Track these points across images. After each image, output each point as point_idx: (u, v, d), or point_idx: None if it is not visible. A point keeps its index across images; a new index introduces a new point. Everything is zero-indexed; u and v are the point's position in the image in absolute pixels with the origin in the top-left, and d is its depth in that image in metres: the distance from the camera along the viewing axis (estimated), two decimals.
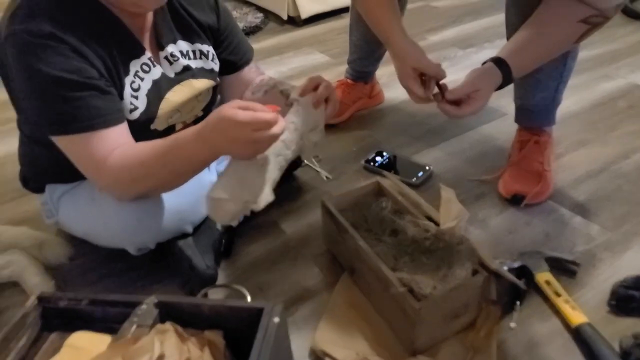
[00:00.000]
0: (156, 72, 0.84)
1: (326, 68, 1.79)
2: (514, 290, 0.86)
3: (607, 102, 1.46)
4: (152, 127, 0.85)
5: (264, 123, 0.65)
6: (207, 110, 0.97)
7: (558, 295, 0.86)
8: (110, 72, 0.76)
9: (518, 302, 0.85)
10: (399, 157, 1.26)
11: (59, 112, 0.72)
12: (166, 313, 0.65)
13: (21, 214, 1.11)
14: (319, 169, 1.24)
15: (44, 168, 0.89)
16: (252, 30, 2.13)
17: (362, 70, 1.41)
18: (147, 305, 0.67)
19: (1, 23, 0.72)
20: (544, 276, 0.89)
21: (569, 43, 0.92)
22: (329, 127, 1.39)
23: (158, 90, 0.84)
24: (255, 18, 2.22)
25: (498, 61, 0.91)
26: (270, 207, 1.08)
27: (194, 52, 0.90)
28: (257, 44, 2.04)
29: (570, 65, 1.05)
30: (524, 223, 1.04)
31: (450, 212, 0.82)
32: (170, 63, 0.87)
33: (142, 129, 0.82)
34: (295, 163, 1.19)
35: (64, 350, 0.64)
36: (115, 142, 0.76)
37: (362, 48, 1.36)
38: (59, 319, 0.69)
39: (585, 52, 1.73)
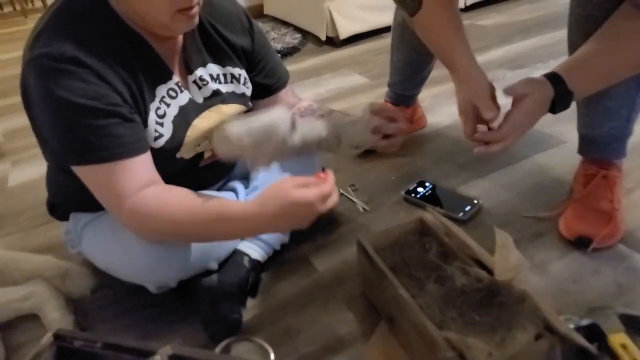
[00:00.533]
0: (183, 97, 0.79)
1: (364, 90, 1.71)
2: (583, 356, 0.73)
3: None
4: (178, 155, 0.79)
5: (328, 194, 0.69)
6: None
7: None
8: (134, 97, 0.72)
9: None
10: (443, 189, 1.15)
11: (79, 140, 0.67)
12: None
13: (49, 240, 1.09)
14: (355, 199, 1.15)
15: (69, 195, 0.85)
16: (289, 52, 2.09)
17: (403, 93, 1.32)
18: (161, 357, 0.62)
19: (26, 45, 0.69)
20: (618, 338, 0.76)
21: (637, 64, 0.80)
22: (367, 153, 1.31)
23: (185, 116, 0.79)
24: (293, 39, 2.19)
25: (552, 77, 0.80)
26: (301, 240, 1.03)
27: (224, 75, 0.85)
28: (295, 65, 1.99)
29: None
30: (591, 271, 0.91)
31: (508, 261, 0.71)
32: (199, 87, 0.82)
33: (167, 158, 0.77)
34: None
35: None
36: (139, 175, 0.71)
37: (404, 70, 1.27)
38: (73, 359, 0.67)
39: None
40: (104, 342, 0.66)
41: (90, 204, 0.76)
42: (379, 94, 1.43)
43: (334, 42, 2.15)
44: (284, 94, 0.95)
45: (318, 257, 0.99)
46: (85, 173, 0.71)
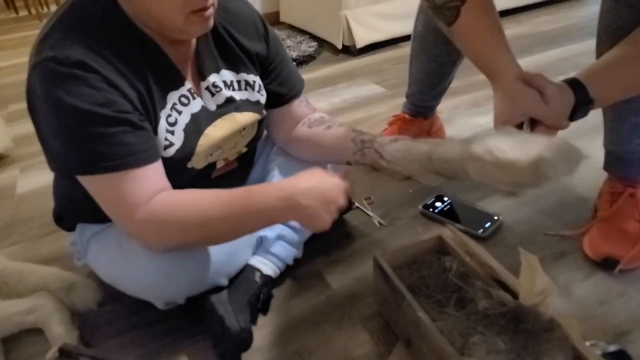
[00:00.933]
0: (196, 105, 0.77)
1: (381, 100, 1.69)
2: None
3: None
4: (190, 165, 0.77)
5: (348, 190, 0.74)
6: (252, 145, 0.89)
7: None
8: (144, 104, 0.70)
9: None
10: (462, 204, 1.12)
11: (87, 149, 0.65)
12: None
13: (55, 250, 1.07)
14: (371, 213, 1.12)
15: (75, 206, 0.83)
16: (305, 60, 2.08)
17: (421, 105, 1.29)
18: None
19: (32, 48, 0.67)
20: None
21: None
22: None
23: (197, 124, 0.77)
24: (309, 47, 2.17)
25: (572, 82, 0.75)
26: (315, 254, 1.00)
27: (238, 82, 0.83)
28: (310, 74, 1.98)
29: None
30: (618, 293, 0.87)
31: (534, 285, 0.67)
32: (212, 94, 0.80)
33: (178, 168, 0.75)
34: (345, 206, 1.08)
35: None
36: (150, 183, 0.69)
37: (423, 81, 1.24)
38: None
39: None
40: (110, 359, 0.65)
41: (97, 215, 0.74)
42: (397, 104, 1.40)
43: (350, 51, 2.13)
44: (298, 103, 0.93)
45: (332, 273, 0.96)
46: (93, 183, 0.68)
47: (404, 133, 1.30)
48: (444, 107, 1.51)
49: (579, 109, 0.76)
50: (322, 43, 2.27)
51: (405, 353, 0.77)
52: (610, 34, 0.83)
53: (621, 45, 0.76)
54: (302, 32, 2.41)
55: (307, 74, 1.98)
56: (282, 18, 2.61)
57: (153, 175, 0.69)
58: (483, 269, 0.77)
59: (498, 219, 1.05)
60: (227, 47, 0.81)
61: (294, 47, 2.18)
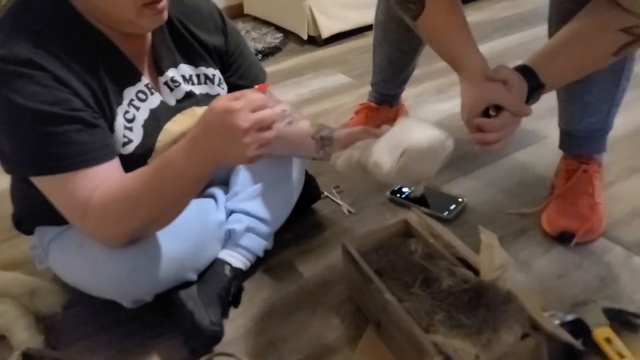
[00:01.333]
0: (154, 100, 0.76)
1: (347, 90, 1.70)
2: (569, 351, 0.73)
3: None
4: (150, 161, 0.76)
5: (260, 101, 0.60)
6: None
7: (621, 356, 0.73)
8: (99, 101, 0.68)
9: None
10: (428, 188, 1.14)
11: (37, 150, 0.64)
12: None
13: (18, 255, 1.04)
14: (339, 202, 1.14)
15: (33, 208, 0.81)
16: (271, 51, 2.07)
17: (386, 93, 1.31)
18: None
19: None
20: (603, 332, 0.76)
21: (606, 54, 0.78)
22: None
23: (156, 120, 0.76)
24: (274, 38, 2.17)
25: (523, 69, 0.78)
26: (285, 245, 1.01)
27: (197, 76, 0.82)
28: (276, 66, 1.97)
29: (624, 86, 0.93)
30: (575, 265, 0.91)
31: (493, 261, 0.70)
32: (171, 89, 0.79)
33: (137, 165, 0.73)
34: (314, 195, 1.10)
35: None
36: (103, 181, 0.68)
37: (387, 69, 1.26)
38: None
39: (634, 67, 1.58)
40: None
41: (55, 218, 0.73)
42: (363, 93, 1.42)
43: (316, 42, 2.14)
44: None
45: (303, 262, 0.98)
46: (46, 184, 0.67)
47: (370, 121, 1.32)
48: (409, 95, 1.53)
49: (532, 94, 0.78)
50: (288, 34, 2.26)
51: (376, 335, 0.79)
52: (561, 16, 0.87)
53: (565, 28, 0.79)
54: (267, 23, 2.40)
55: (273, 66, 1.98)
56: (247, 10, 2.58)
57: (107, 173, 0.68)
58: (447, 249, 0.80)
59: (462, 201, 1.08)
60: (184, 40, 0.80)
61: (259, 39, 2.17)
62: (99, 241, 0.71)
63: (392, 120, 1.36)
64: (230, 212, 0.91)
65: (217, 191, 0.93)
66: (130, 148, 0.72)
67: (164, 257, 0.75)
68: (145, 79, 0.75)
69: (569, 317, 0.78)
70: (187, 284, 0.81)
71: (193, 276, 0.82)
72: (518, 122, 0.78)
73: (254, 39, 2.17)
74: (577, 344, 0.72)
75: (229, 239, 0.90)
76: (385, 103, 1.33)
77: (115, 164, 0.69)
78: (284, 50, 2.14)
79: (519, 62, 0.82)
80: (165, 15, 0.70)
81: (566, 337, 0.69)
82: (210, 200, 0.90)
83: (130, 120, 0.72)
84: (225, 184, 0.98)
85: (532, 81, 0.77)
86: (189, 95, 0.81)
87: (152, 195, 0.66)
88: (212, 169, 0.65)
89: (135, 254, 0.72)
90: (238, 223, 0.90)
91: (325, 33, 2.09)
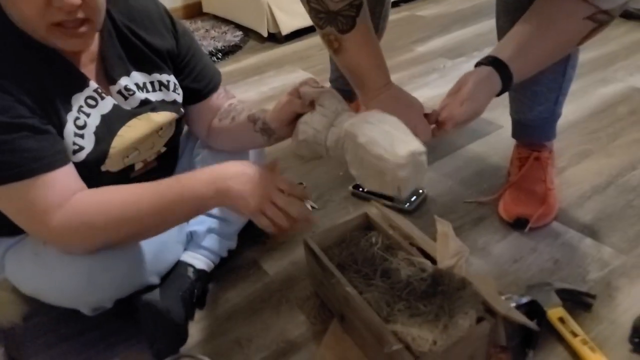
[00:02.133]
0: (105, 105, 0.74)
1: None
2: (526, 332, 0.76)
3: (606, 109, 1.38)
4: (104, 168, 0.75)
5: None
6: (170, 144, 0.87)
7: (575, 335, 0.76)
8: (44, 109, 0.66)
9: (531, 348, 0.75)
10: None
11: None
12: None
13: None
14: None
15: None
16: (231, 50, 2.05)
17: (345, 88, 1.31)
18: None
19: None
20: (556, 312, 0.80)
21: (574, 42, 0.81)
22: None
23: (109, 126, 0.74)
24: (234, 37, 2.14)
25: (496, 63, 0.78)
26: (249, 244, 1.01)
27: (152, 83, 0.81)
28: (237, 64, 1.95)
29: (570, 75, 0.97)
30: (530, 249, 0.95)
31: (448, 249, 0.72)
32: (125, 98, 0.77)
33: (91, 171, 0.72)
34: None
35: None
36: (61, 187, 0.66)
37: None
38: None
39: (580, 56, 1.64)
40: None
41: (9, 228, 0.70)
42: None
43: (276, 39, 2.13)
44: (217, 96, 0.91)
45: (268, 260, 0.98)
46: (1, 195, 0.65)
47: None
48: None
49: (504, 87, 0.78)
50: (248, 32, 2.24)
51: (340, 328, 0.80)
52: (506, 9, 0.89)
53: (525, 24, 0.79)
54: (227, 21, 2.36)
55: (234, 64, 1.96)
56: (205, 9, 2.54)
57: (64, 178, 0.67)
58: (406, 240, 0.82)
59: (422, 192, 1.11)
60: (134, 47, 0.78)
61: (218, 37, 2.14)
62: (61, 248, 0.69)
63: None
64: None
65: None
66: (81, 155, 0.71)
67: (123, 263, 0.74)
68: (94, 84, 0.73)
69: (524, 300, 0.81)
70: (149, 288, 0.80)
71: (155, 280, 0.81)
72: (473, 103, 0.76)
73: (214, 38, 2.14)
74: (532, 324, 0.75)
75: (191, 240, 0.89)
76: (344, 98, 1.33)
77: (69, 169, 0.68)
78: (244, 48, 2.13)
79: (476, 53, 0.83)
80: (88, 41, 0.68)
81: (521, 318, 0.72)
82: None
83: (81, 127, 0.71)
84: None
85: (505, 76, 0.77)
86: (145, 102, 0.79)
87: (157, 212, 0.68)
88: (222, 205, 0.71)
89: (94, 260, 0.70)
90: (200, 224, 0.89)
91: (285, 30, 2.08)
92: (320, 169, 1.25)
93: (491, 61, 0.78)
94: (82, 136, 0.71)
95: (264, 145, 0.84)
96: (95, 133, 0.72)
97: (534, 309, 0.80)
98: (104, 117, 0.73)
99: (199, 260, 0.87)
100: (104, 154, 0.73)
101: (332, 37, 0.82)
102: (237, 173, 0.70)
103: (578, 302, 0.83)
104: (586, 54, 1.67)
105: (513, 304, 0.80)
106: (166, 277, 0.84)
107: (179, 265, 0.85)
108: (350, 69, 0.87)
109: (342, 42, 0.82)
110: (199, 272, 0.86)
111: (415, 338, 0.62)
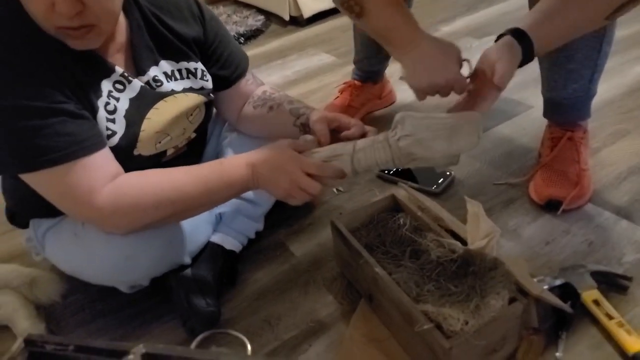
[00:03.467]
0: (133, 88, 0.74)
1: (332, 69, 1.69)
2: (559, 314, 0.75)
3: None
4: (136, 152, 0.76)
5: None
6: (200, 130, 0.88)
7: (610, 317, 0.75)
8: (77, 95, 0.67)
9: (564, 330, 0.74)
10: None
11: (25, 146, 0.63)
12: None
13: (13, 248, 1.04)
14: None
15: (26, 202, 0.80)
16: (253, 34, 2.04)
17: (369, 70, 1.31)
18: (134, 356, 0.60)
19: None
20: (591, 295, 0.78)
21: (600, 18, 0.76)
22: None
23: (138, 108, 0.75)
24: (256, 21, 2.13)
25: (518, 33, 0.75)
26: (276, 226, 1.01)
27: (179, 71, 0.81)
28: (260, 48, 1.95)
29: (606, 51, 0.93)
30: (563, 231, 0.93)
31: (479, 230, 0.71)
32: (154, 89, 0.77)
33: (124, 156, 0.73)
34: None
35: None
36: (103, 169, 0.67)
37: (368, 46, 1.25)
38: None
39: (616, 33, 1.58)
40: (76, 344, 0.64)
41: (49, 210, 0.72)
42: (348, 72, 1.40)
43: (298, 22, 2.11)
44: (244, 82, 0.91)
45: (294, 242, 0.98)
46: (41, 179, 0.66)
47: (355, 100, 1.31)
48: (394, 71, 1.52)
49: (525, 57, 0.75)
50: (269, 16, 2.23)
51: (368, 308, 0.80)
52: None
53: None
54: (248, 6, 2.35)
55: (256, 48, 1.95)
56: None
57: (104, 161, 0.68)
58: (435, 222, 0.81)
59: (450, 174, 1.09)
60: (162, 36, 0.78)
61: (240, 22, 2.14)
62: (104, 228, 0.70)
63: (377, 98, 1.36)
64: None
65: None
66: (114, 140, 0.72)
67: (158, 243, 0.75)
68: (120, 69, 0.73)
69: (558, 282, 0.79)
70: (182, 268, 0.81)
71: (187, 260, 0.82)
72: (492, 90, 0.76)
73: (236, 23, 2.13)
74: (566, 306, 0.74)
75: (220, 222, 0.90)
76: (369, 80, 1.32)
77: (107, 152, 0.69)
78: (266, 32, 2.12)
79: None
80: (96, 41, 0.67)
81: (554, 300, 0.71)
82: None
83: (112, 112, 0.72)
84: None
85: (526, 46, 0.75)
86: (171, 93, 0.79)
87: (202, 195, 0.71)
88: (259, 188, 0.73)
89: (132, 240, 0.72)
90: (228, 207, 0.90)
91: (307, 13, 2.06)
92: None
93: (511, 31, 0.76)
94: (113, 121, 0.72)
95: (297, 137, 0.85)
96: (126, 117, 0.73)
97: (567, 292, 0.78)
98: (132, 101, 0.74)
99: (228, 241, 0.89)
100: (135, 137, 0.74)
101: (352, 1, 0.80)
102: (267, 158, 0.71)
103: (613, 285, 0.81)
104: (622, 31, 1.60)
105: (546, 287, 0.78)
106: (197, 258, 0.85)
107: (209, 246, 0.87)
108: (376, 31, 0.85)
109: (364, 4, 0.80)
110: (228, 253, 0.88)
111: (447, 317, 0.62)
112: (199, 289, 0.78)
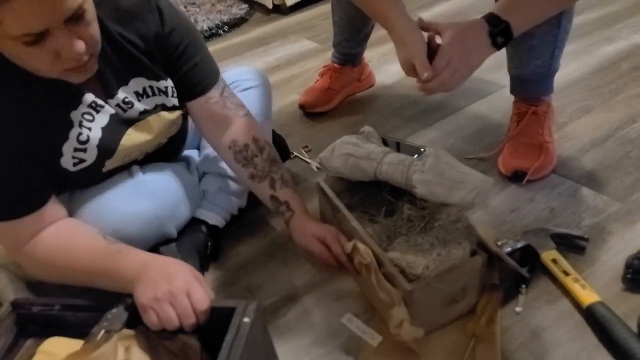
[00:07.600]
0: (104, 116, 0.74)
1: (314, 55, 1.73)
2: (519, 275, 0.80)
3: (609, 66, 1.38)
4: (104, 170, 0.78)
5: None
6: (173, 138, 0.88)
7: (566, 274, 0.81)
8: (41, 142, 0.69)
9: (523, 286, 0.80)
10: (393, 140, 1.19)
11: None
12: (139, 317, 0.63)
13: None
14: (309, 160, 1.19)
15: None
16: (237, 23, 2.07)
17: (348, 52, 1.35)
18: (118, 309, 0.65)
19: None
20: (550, 255, 0.84)
21: None
22: (318, 115, 1.34)
23: (111, 136, 0.75)
24: (239, 9, 2.16)
25: (489, 18, 0.80)
26: (258, 203, 1.06)
27: (150, 87, 0.78)
28: (243, 36, 1.98)
29: (566, 28, 0.98)
30: (527, 200, 0.99)
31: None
32: (125, 111, 0.76)
33: (92, 171, 0.76)
34: (283, 155, 1.14)
35: (37, 357, 0.64)
36: (28, 229, 0.71)
37: (346, 29, 1.29)
38: (34, 325, 0.70)
39: (585, 16, 1.64)
40: (62, 304, 0.68)
41: None
42: (328, 57, 1.44)
43: (281, 10, 2.14)
44: (214, 98, 0.83)
45: (275, 217, 1.02)
46: None
47: (334, 82, 1.35)
48: (374, 55, 1.57)
49: (498, 38, 0.81)
50: (253, 4, 2.25)
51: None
52: None
53: None
54: None
55: (240, 36, 1.98)
56: None
57: (33, 221, 0.71)
58: None
59: (424, 150, 1.14)
60: (129, 55, 0.74)
61: (224, 10, 2.16)
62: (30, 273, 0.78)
63: (356, 80, 1.40)
64: (203, 174, 0.95)
65: (190, 154, 0.97)
66: (82, 166, 0.75)
67: (144, 217, 0.79)
68: (90, 97, 0.72)
69: (519, 244, 0.85)
70: (167, 241, 0.86)
71: (173, 232, 0.86)
72: (459, 69, 0.81)
73: (220, 12, 2.16)
74: (522, 270, 0.79)
75: (204, 198, 0.95)
76: (348, 63, 1.36)
77: (48, 206, 0.72)
78: (250, 20, 2.14)
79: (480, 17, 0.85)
80: (92, 68, 0.67)
81: (509, 261, 0.76)
82: (183, 163, 0.95)
83: (84, 142, 0.73)
84: (197, 148, 1.02)
85: (494, 25, 0.80)
86: (143, 113, 0.78)
87: (85, 276, 0.72)
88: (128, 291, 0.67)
89: (118, 213, 0.76)
90: (211, 184, 0.94)
91: (290, 1, 2.09)
92: (324, 132, 1.29)
93: (486, 16, 0.81)
94: (84, 150, 0.73)
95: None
96: (98, 146, 0.74)
97: (528, 253, 0.84)
98: (104, 130, 0.74)
99: (211, 216, 0.93)
100: (105, 161, 0.77)
101: None
102: (163, 263, 0.69)
103: (572, 246, 0.87)
104: (591, 13, 1.66)
105: (509, 249, 0.84)
106: (182, 233, 0.89)
107: (193, 222, 0.91)
108: (371, 14, 0.93)
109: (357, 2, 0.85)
110: (212, 228, 0.92)
111: (410, 263, 0.67)
112: (182, 260, 0.82)
